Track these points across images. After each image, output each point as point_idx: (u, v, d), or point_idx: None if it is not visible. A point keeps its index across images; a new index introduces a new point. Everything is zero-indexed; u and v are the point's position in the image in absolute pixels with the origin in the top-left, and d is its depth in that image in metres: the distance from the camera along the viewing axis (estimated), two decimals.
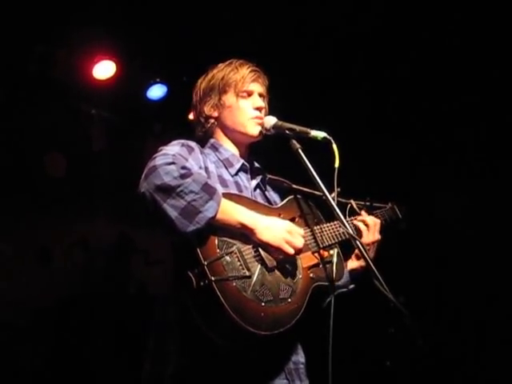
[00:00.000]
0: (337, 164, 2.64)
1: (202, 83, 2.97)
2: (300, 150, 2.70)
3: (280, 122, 2.83)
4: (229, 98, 2.89)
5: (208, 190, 2.39)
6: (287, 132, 2.77)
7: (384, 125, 5.44)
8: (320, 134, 2.71)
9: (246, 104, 2.89)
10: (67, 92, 5.34)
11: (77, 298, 5.78)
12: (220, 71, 2.94)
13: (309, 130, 2.74)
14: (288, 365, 2.62)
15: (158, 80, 5.45)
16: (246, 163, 2.90)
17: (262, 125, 2.88)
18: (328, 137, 2.69)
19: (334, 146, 2.66)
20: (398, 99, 5.29)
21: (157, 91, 5.52)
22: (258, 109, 2.89)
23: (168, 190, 2.32)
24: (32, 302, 5.45)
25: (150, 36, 5.00)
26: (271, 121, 2.84)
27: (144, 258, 6.12)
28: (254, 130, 2.87)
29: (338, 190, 2.64)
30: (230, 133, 2.91)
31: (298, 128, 2.76)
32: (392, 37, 4.91)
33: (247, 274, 2.41)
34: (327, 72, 5.24)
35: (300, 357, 2.72)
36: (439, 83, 5.06)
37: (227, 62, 2.97)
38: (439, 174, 5.41)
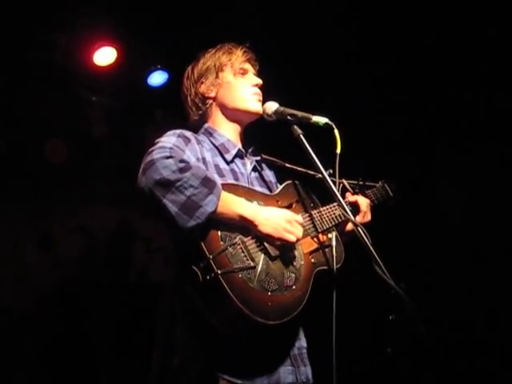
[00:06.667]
0: (338, 150, 2.62)
1: (195, 68, 2.97)
2: (302, 136, 2.70)
3: (282, 108, 2.82)
4: (226, 76, 2.89)
5: (208, 184, 2.36)
6: (289, 118, 2.76)
7: (387, 111, 5.41)
8: (322, 120, 2.69)
9: (243, 81, 2.90)
10: (68, 78, 5.32)
11: (77, 285, 5.79)
12: (212, 54, 2.95)
13: (311, 115, 2.73)
14: (293, 351, 2.63)
15: (158, 67, 5.43)
16: (241, 149, 2.89)
17: (261, 101, 2.88)
18: (330, 122, 2.68)
19: (336, 132, 2.65)
20: (402, 84, 5.26)
21: (158, 78, 5.49)
22: (257, 85, 2.91)
23: (167, 185, 2.30)
24: (33, 288, 5.46)
25: (151, 22, 4.98)
26: (273, 106, 2.84)
27: (145, 245, 6.13)
28: (255, 105, 2.88)
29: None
30: (229, 111, 2.90)
31: (299, 114, 2.75)
32: (393, 18, 4.89)
33: (252, 264, 2.41)
34: (327, 56, 5.22)
35: (303, 341, 2.74)
36: (442, 69, 5.04)
37: (218, 47, 2.98)
38: (443, 165, 5.39)
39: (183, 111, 3.04)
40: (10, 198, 5.39)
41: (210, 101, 2.91)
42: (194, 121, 2.96)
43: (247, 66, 2.95)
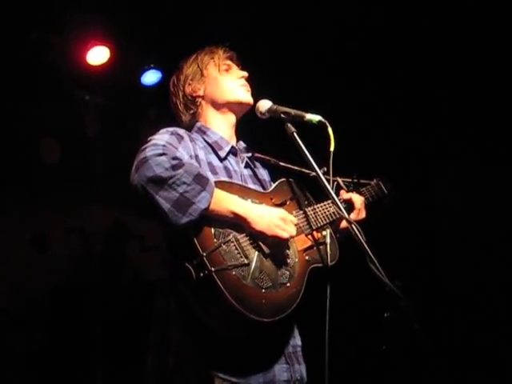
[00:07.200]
0: (332, 148, 2.62)
1: (179, 74, 2.99)
2: (295, 134, 2.69)
3: (275, 106, 2.82)
4: (211, 73, 2.92)
5: (200, 181, 2.36)
6: (282, 116, 2.76)
7: (382, 107, 5.42)
8: (315, 118, 2.69)
9: (229, 75, 2.94)
10: (61, 78, 5.30)
11: (73, 285, 5.78)
12: (194, 58, 2.98)
13: (304, 113, 2.73)
14: (287, 349, 2.63)
15: (152, 66, 5.42)
16: (235, 146, 2.89)
17: (250, 92, 2.92)
18: (323, 120, 2.67)
19: (330, 130, 2.64)
20: (397, 80, 5.26)
21: (151, 77, 5.48)
22: (243, 77, 2.94)
23: (160, 182, 2.29)
24: (28, 288, 5.46)
25: (144, 21, 4.97)
26: (266, 104, 2.84)
27: (140, 244, 6.12)
28: (245, 95, 2.91)
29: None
30: (220, 106, 2.91)
31: (293, 112, 2.75)
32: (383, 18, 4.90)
33: (245, 261, 2.40)
34: (320, 53, 5.22)
35: (297, 340, 2.73)
36: (438, 67, 5.04)
37: (198, 51, 3.01)
38: (439, 162, 5.40)
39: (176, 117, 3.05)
40: (4, 198, 5.38)
41: (200, 99, 2.93)
42: (186, 121, 2.97)
43: (230, 62, 2.99)
